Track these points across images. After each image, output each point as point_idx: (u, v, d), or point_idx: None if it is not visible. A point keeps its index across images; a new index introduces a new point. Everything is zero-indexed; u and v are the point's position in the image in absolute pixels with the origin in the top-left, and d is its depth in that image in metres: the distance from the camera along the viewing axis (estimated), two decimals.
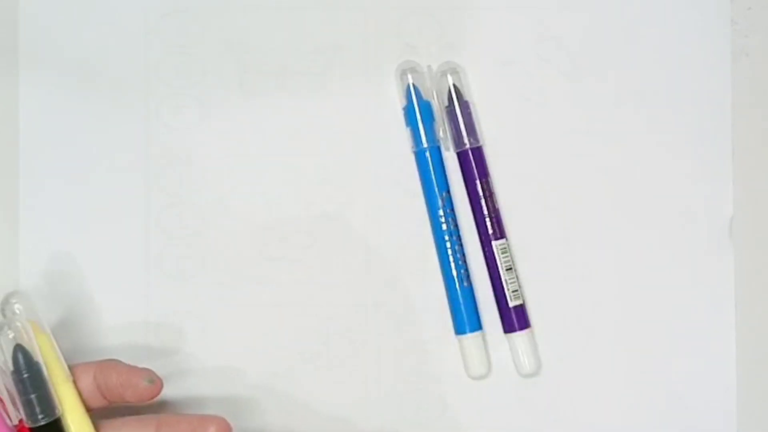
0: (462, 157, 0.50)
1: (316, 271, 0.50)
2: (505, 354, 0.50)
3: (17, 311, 0.43)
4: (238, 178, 0.50)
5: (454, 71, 0.50)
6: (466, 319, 0.49)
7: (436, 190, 0.49)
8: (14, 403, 0.42)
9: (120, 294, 0.50)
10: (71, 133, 0.50)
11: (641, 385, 0.50)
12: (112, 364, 0.45)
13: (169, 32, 0.50)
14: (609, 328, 0.50)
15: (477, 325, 0.50)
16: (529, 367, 0.50)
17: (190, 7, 0.50)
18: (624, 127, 0.51)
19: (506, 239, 0.50)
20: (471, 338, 0.50)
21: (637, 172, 0.51)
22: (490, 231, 0.50)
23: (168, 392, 0.49)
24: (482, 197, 0.50)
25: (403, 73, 0.50)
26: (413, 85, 0.50)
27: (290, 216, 0.50)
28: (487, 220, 0.50)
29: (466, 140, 0.50)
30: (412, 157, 0.50)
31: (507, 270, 0.49)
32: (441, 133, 0.50)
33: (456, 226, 0.50)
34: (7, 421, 0.42)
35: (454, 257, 0.49)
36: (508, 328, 0.50)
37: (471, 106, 0.50)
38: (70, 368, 0.44)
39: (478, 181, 0.50)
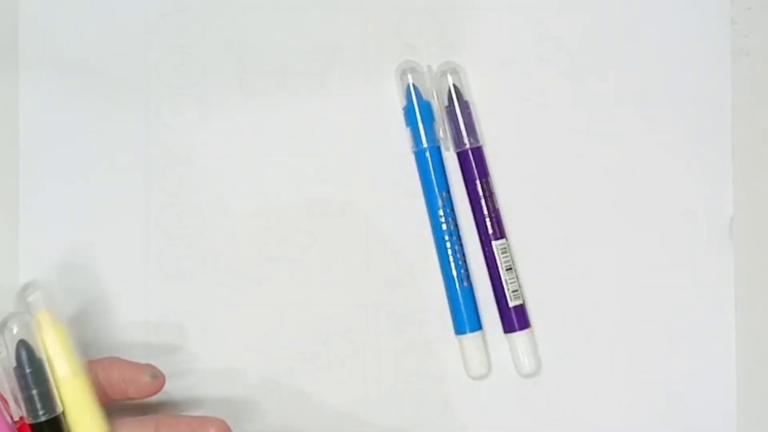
0: (462, 157, 0.50)
1: (316, 271, 0.50)
2: (505, 354, 0.50)
3: (33, 302, 0.43)
4: (238, 178, 0.50)
5: (454, 71, 0.50)
6: (466, 319, 0.49)
7: (436, 190, 0.49)
8: (16, 400, 0.42)
9: (120, 294, 0.50)
10: (71, 133, 0.50)
11: (641, 385, 0.50)
12: (114, 361, 0.45)
13: (169, 32, 0.50)
14: (609, 328, 0.50)
15: (477, 325, 0.50)
16: (529, 367, 0.50)
17: (190, 7, 0.50)
18: (624, 127, 0.51)
19: (506, 239, 0.50)
20: (471, 338, 0.50)
21: (637, 172, 0.51)
22: (490, 231, 0.50)
23: (168, 392, 0.49)
24: (482, 197, 0.50)
25: (403, 73, 0.50)
26: (413, 85, 0.50)
27: (290, 216, 0.50)
28: (487, 220, 0.50)
29: (466, 140, 0.50)
30: (412, 157, 0.50)
31: (507, 270, 0.49)
32: (441, 133, 0.50)
33: (456, 226, 0.50)
34: (8, 418, 0.42)
35: (454, 257, 0.49)
36: (508, 328, 0.50)
37: (471, 106, 0.50)
38: None
39: (478, 181, 0.50)
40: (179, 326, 0.50)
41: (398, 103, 0.50)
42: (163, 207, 0.50)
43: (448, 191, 0.50)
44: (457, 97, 0.50)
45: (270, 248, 0.50)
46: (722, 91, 0.51)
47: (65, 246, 0.50)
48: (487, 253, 0.50)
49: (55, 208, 0.50)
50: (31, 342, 0.42)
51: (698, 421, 0.50)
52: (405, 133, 0.50)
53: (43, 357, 0.42)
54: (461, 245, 0.50)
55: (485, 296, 0.50)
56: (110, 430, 0.43)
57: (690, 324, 0.51)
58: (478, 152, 0.50)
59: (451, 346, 0.50)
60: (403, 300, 0.50)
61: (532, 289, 0.50)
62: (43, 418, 0.42)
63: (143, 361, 0.46)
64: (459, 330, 0.50)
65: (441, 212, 0.49)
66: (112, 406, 0.44)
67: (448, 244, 0.49)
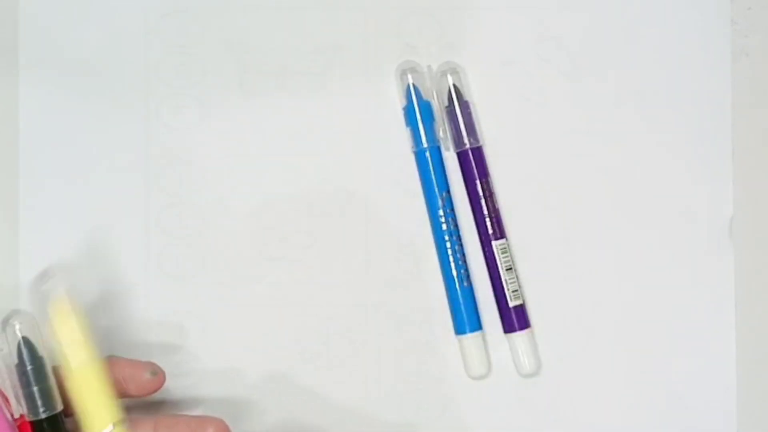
0: (462, 157, 0.50)
1: (316, 271, 0.50)
2: (505, 354, 0.50)
3: (50, 286, 0.43)
4: (238, 178, 0.50)
5: (454, 71, 0.50)
6: (466, 319, 0.49)
7: (436, 190, 0.49)
8: (17, 397, 0.42)
9: (120, 293, 0.50)
10: (71, 133, 0.50)
11: (641, 385, 0.50)
12: (114, 359, 0.45)
13: (169, 32, 0.50)
14: (609, 328, 0.50)
15: (477, 325, 0.50)
16: (529, 367, 0.50)
17: (190, 7, 0.50)
18: (624, 127, 0.51)
19: (506, 239, 0.50)
20: (471, 338, 0.50)
21: (637, 172, 0.51)
22: (490, 231, 0.50)
23: (168, 392, 0.49)
24: (482, 197, 0.50)
25: (403, 73, 0.50)
26: (413, 85, 0.50)
27: (290, 216, 0.50)
28: (487, 220, 0.50)
29: (466, 140, 0.50)
30: (412, 157, 0.50)
31: (507, 270, 0.49)
32: (441, 133, 0.50)
33: (456, 226, 0.50)
34: (8, 416, 0.42)
35: (454, 257, 0.49)
36: (508, 328, 0.50)
37: (471, 106, 0.50)
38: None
39: (478, 181, 0.50)
40: (179, 326, 0.50)
41: (398, 103, 0.50)
42: (163, 207, 0.50)
43: (448, 191, 0.50)
44: (457, 97, 0.50)
45: (270, 248, 0.50)
46: (722, 91, 0.51)
47: (65, 246, 0.50)
48: (487, 253, 0.50)
49: (55, 208, 0.50)
50: (33, 339, 0.42)
51: (698, 421, 0.50)
52: (405, 133, 0.50)
53: (45, 355, 0.42)
54: (461, 245, 0.50)
55: (485, 296, 0.50)
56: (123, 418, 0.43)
57: (690, 324, 0.51)
58: (478, 152, 0.50)
59: (451, 346, 0.50)
60: (403, 300, 0.50)
61: (532, 289, 0.50)
62: (43, 416, 0.42)
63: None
64: (459, 330, 0.50)
65: (441, 212, 0.49)
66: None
67: (448, 244, 0.49)
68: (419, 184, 0.50)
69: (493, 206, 0.50)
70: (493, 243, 0.49)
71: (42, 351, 0.42)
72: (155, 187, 0.50)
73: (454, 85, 0.50)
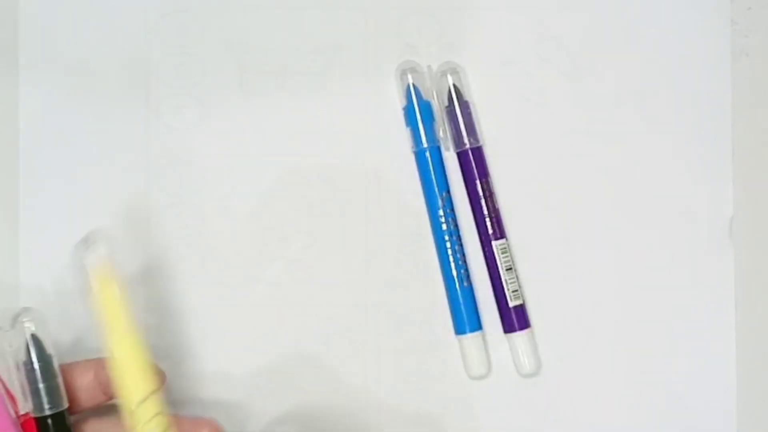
0: (462, 157, 0.50)
1: (316, 271, 0.50)
2: (505, 354, 0.50)
3: (92, 252, 0.43)
4: (238, 178, 0.50)
5: (454, 71, 0.50)
6: (466, 319, 0.49)
7: (436, 190, 0.49)
8: (24, 395, 0.43)
9: None
10: (71, 133, 0.50)
11: (641, 385, 0.50)
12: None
13: (169, 32, 0.50)
14: (609, 328, 0.51)
15: (477, 325, 0.50)
16: (529, 367, 0.50)
17: (190, 7, 0.50)
18: (624, 127, 0.51)
19: (506, 239, 0.50)
20: (471, 338, 0.50)
21: (637, 172, 0.51)
22: (490, 231, 0.50)
23: (167, 392, 0.49)
24: (482, 197, 0.50)
25: (403, 73, 0.50)
26: (413, 85, 0.50)
27: (290, 216, 0.50)
28: (487, 220, 0.50)
29: (466, 140, 0.50)
30: (412, 157, 0.50)
31: (507, 270, 0.49)
32: (441, 133, 0.50)
33: (456, 226, 0.50)
34: (12, 413, 0.42)
35: (454, 257, 0.49)
36: (508, 328, 0.50)
37: (471, 106, 0.50)
38: (71, 366, 0.44)
39: (478, 181, 0.50)
40: (178, 325, 0.50)
41: (398, 103, 0.50)
42: (163, 207, 0.50)
43: (448, 191, 0.50)
44: (457, 97, 0.50)
45: (270, 248, 0.50)
46: (722, 91, 0.51)
47: (65, 246, 0.50)
48: (487, 253, 0.50)
49: (55, 208, 0.50)
50: (41, 337, 0.43)
51: (698, 421, 0.50)
52: (405, 133, 0.50)
53: (53, 353, 0.43)
54: (461, 245, 0.50)
55: (485, 296, 0.50)
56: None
57: (690, 324, 0.51)
58: (478, 152, 0.50)
59: (451, 346, 0.50)
60: (403, 300, 0.50)
61: (532, 289, 0.50)
62: (48, 412, 0.42)
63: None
64: (459, 330, 0.50)
65: (441, 212, 0.49)
66: (107, 405, 0.44)
67: (448, 244, 0.49)
68: (419, 184, 0.50)
69: (493, 206, 0.50)
70: (493, 243, 0.49)
71: (50, 349, 0.43)
72: (155, 187, 0.50)
73: (454, 85, 0.50)
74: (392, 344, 0.50)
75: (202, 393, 0.50)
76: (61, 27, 0.50)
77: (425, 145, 0.49)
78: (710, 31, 0.51)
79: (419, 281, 0.50)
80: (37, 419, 0.43)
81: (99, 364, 0.44)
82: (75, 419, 0.44)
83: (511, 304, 0.49)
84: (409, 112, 0.50)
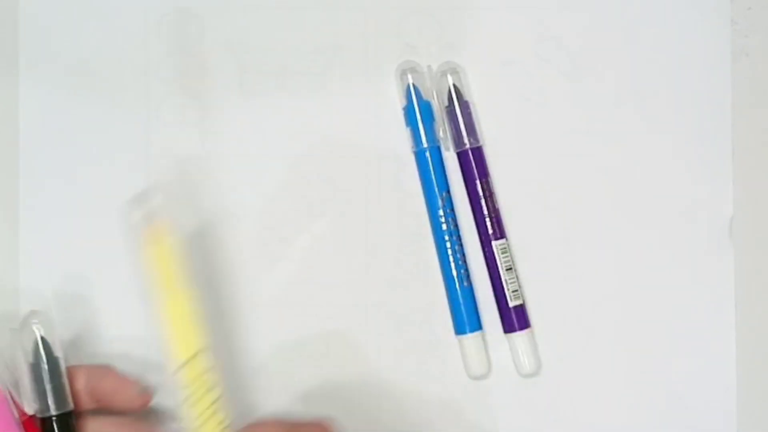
0: (462, 157, 0.50)
1: (316, 271, 0.50)
2: (505, 354, 0.50)
3: (148, 212, 0.43)
4: (238, 178, 0.50)
5: (454, 71, 0.50)
6: (466, 319, 0.49)
7: (436, 190, 0.49)
8: (30, 395, 0.43)
9: (120, 294, 0.50)
10: (71, 133, 0.50)
11: (641, 385, 0.50)
12: (105, 369, 0.45)
13: (169, 32, 0.50)
14: (609, 328, 0.50)
15: (477, 325, 0.50)
16: (529, 367, 0.50)
17: (190, 7, 0.50)
18: (624, 127, 0.51)
19: (506, 239, 0.50)
20: (471, 338, 0.50)
21: (637, 172, 0.51)
22: (490, 231, 0.50)
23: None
24: (482, 197, 0.50)
25: (403, 73, 0.50)
26: (413, 85, 0.50)
27: (290, 216, 0.50)
28: (487, 220, 0.50)
29: (466, 140, 0.50)
30: (412, 157, 0.50)
31: (507, 270, 0.49)
32: (441, 133, 0.50)
33: (456, 226, 0.50)
34: (15, 414, 0.43)
35: (454, 257, 0.49)
36: (508, 328, 0.50)
37: (471, 106, 0.50)
38: (66, 369, 0.44)
39: (478, 181, 0.50)
40: None
41: (398, 103, 0.50)
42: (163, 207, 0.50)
43: (448, 191, 0.50)
44: (457, 97, 0.50)
45: (270, 248, 0.50)
46: (722, 91, 0.51)
47: (65, 246, 0.50)
48: (487, 253, 0.50)
49: (55, 208, 0.50)
50: (50, 339, 0.43)
51: (698, 421, 0.50)
52: (405, 133, 0.50)
53: (61, 355, 0.43)
54: (461, 245, 0.50)
55: (485, 296, 0.50)
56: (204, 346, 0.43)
57: (690, 324, 0.51)
58: (478, 152, 0.50)
59: (451, 346, 0.50)
60: (403, 300, 0.50)
61: (532, 289, 0.50)
62: (54, 413, 0.43)
63: (142, 361, 0.46)
64: (459, 330, 0.50)
65: (441, 212, 0.49)
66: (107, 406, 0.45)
67: (448, 244, 0.49)
68: (419, 184, 0.50)
69: (493, 206, 0.50)
70: (493, 243, 0.49)
71: (58, 351, 0.43)
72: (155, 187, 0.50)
73: (454, 85, 0.50)
74: (392, 344, 0.50)
75: None
76: (61, 27, 0.50)
77: (425, 145, 0.49)
78: (710, 31, 0.51)
79: (419, 281, 0.50)
80: (42, 420, 0.43)
81: (91, 371, 0.45)
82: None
83: (511, 304, 0.49)
84: (409, 112, 0.50)
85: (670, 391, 0.50)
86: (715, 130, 0.51)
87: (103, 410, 0.45)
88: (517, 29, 0.51)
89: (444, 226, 0.49)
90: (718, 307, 0.51)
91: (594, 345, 0.50)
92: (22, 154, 0.50)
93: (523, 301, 0.50)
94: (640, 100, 0.51)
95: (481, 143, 0.50)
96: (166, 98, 0.50)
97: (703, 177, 0.51)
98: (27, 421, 0.43)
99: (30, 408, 0.43)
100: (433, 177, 0.49)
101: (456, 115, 0.50)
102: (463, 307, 0.49)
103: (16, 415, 0.43)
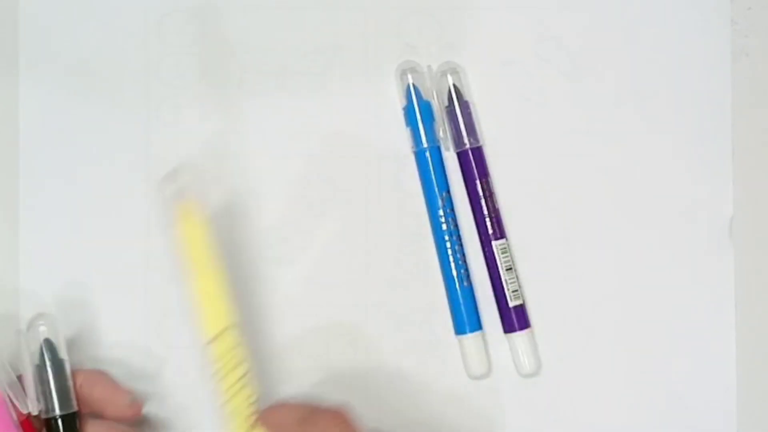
0: (462, 157, 0.50)
1: (316, 271, 0.50)
2: (505, 354, 0.50)
3: (180, 189, 0.43)
4: (238, 179, 0.50)
5: (454, 71, 0.50)
6: (466, 319, 0.49)
7: (436, 190, 0.49)
8: (35, 396, 0.44)
9: (120, 294, 0.50)
10: (71, 133, 0.50)
11: (641, 385, 0.50)
12: (99, 376, 0.45)
13: (169, 32, 0.50)
14: (609, 328, 0.50)
15: (477, 325, 0.50)
16: (529, 367, 0.50)
17: (190, 7, 0.50)
18: (624, 127, 0.51)
19: (506, 239, 0.50)
20: (471, 338, 0.50)
21: (637, 172, 0.51)
22: (490, 231, 0.50)
23: (167, 391, 0.49)
24: (482, 197, 0.50)
25: (403, 73, 0.50)
26: (413, 85, 0.50)
27: (290, 216, 0.50)
28: (487, 220, 0.50)
29: (466, 140, 0.50)
30: (412, 157, 0.50)
31: (507, 270, 0.49)
32: (441, 133, 0.50)
33: (456, 226, 0.50)
34: (13, 416, 0.43)
35: (454, 257, 0.49)
36: (508, 328, 0.50)
37: (471, 106, 0.50)
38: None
39: (478, 181, 0.50)
40: (179, 326, 0.50)
41: (398, 103, 0.50)
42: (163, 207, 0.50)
43: (448, 191, 0.50)
44: (457, 97, 0.50)
45: (270, 248, 0.50)
46: (722, 91, 0.51)
47: (65, 246, 0.50)
48: (487, 253, 0.50)
49: (55, 208, 0.50)
50: (55, 341, 0.44)
51: (698, 421, 0.50)
52: (405, 133, 0.50)
53: (66, 357, 0.44)
54: (461, 245, 0.50)
55: (485, 296, 0.50)
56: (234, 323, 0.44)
57: (690, 324, 0.51)
58: (478, 152, 0.50)
59: (451, 346, 0.50)
60: (403, 300, 0.50)
61: (532, 289, 0.50)
62: (58, 413, 0.43)
63: (143, 361, 0.46)
64: (459, 330, 0.50)
65: (441, 212, 0.49)
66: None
67: (448, 244, 0.49)
68: (419, 184, 0.50)
69: (493, 206, 0.50)
70: (493, 243, 0.49)
71: (63, 353, 0.44)
72: (155, 187, 0.50)
73: (454, 85, 0.50)
74: (392, 344, 0.50)
75: (200, 392, 0.49)
76: (61, 27, 0.50)
77: (425, 145, 0.49)
78: (710, 31, 0.51)
79: (419, 281, 0.50)
80: (46, 420, 0.43)
81: (84, 377, 0.45)
82: None
83: (511, 304, 0.49)
84: (409, 112, 0.50)
85: (670, 391, 0.50)
86: (715, 130, 0.51)
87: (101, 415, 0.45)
88: (517, 29, 0.51)
89: (444, 226, 0.49)
90: (718, 307, 0.51)
91: (594, 345, 0.50)
92: (22, 154, 0.50)
93: (523, 301, 0.50)
94: (640, 100, 0.51)
95: (481, 143, 0.50)
96: (166, 98, 0.50)
97: (703, 177, 0.51)
98: (25, 422, 0.43)
99: (34, 408, 0.43)
100: (433, 177, 0.50)
101: (456, 115, 0.50)
102: (463, 307, 0.49)
103: (15, 416, 0.43)
